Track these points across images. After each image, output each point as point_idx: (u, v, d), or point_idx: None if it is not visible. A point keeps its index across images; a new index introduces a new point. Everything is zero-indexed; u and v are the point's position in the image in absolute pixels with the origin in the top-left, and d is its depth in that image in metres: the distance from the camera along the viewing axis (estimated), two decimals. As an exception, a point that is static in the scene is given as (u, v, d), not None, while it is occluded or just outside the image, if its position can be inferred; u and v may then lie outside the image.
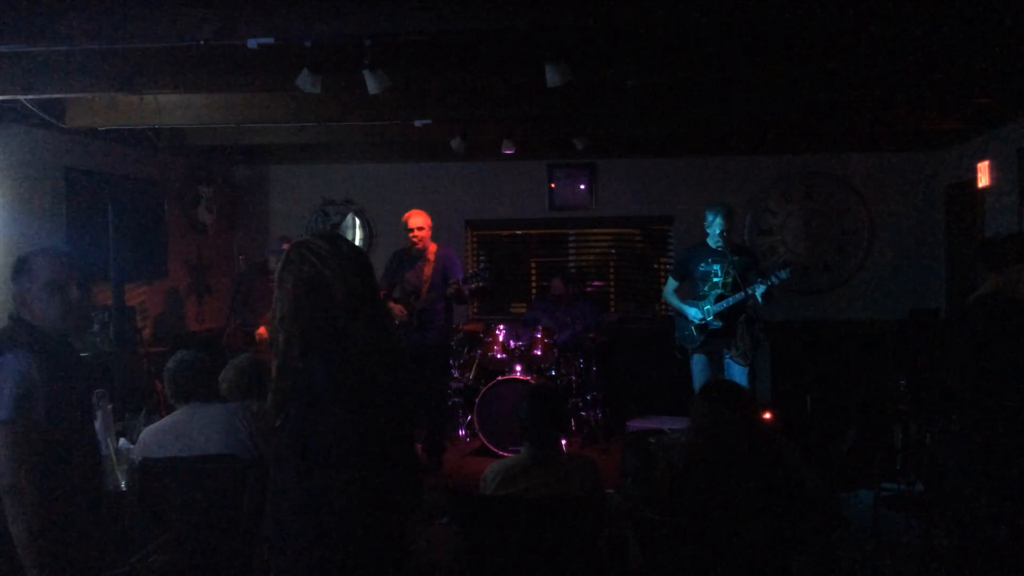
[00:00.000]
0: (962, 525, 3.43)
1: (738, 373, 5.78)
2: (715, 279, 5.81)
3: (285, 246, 2.44)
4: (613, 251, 8.61)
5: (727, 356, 5.84)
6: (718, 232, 5.75)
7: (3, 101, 4.98)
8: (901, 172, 7.96)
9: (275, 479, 2.38)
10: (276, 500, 2.35)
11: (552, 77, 4.11)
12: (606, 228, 8.57)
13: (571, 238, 8.57)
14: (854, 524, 4.52)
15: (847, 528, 4.39)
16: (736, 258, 5.78)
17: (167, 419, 3.67)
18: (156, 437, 3.53)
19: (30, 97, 4.98)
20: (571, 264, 8.53)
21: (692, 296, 5.97)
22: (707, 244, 5.87)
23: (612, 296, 8.59)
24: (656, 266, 8.57)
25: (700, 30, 4.34)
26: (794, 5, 3.60)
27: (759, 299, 5.60)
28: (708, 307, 5.79)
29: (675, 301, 6.06)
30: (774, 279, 5.58)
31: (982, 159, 6.71)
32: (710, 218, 5.81)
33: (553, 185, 8.29)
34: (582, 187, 8.28)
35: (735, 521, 2.72)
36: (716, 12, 3.64)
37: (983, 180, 6.69)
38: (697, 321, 5.85)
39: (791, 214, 8.05)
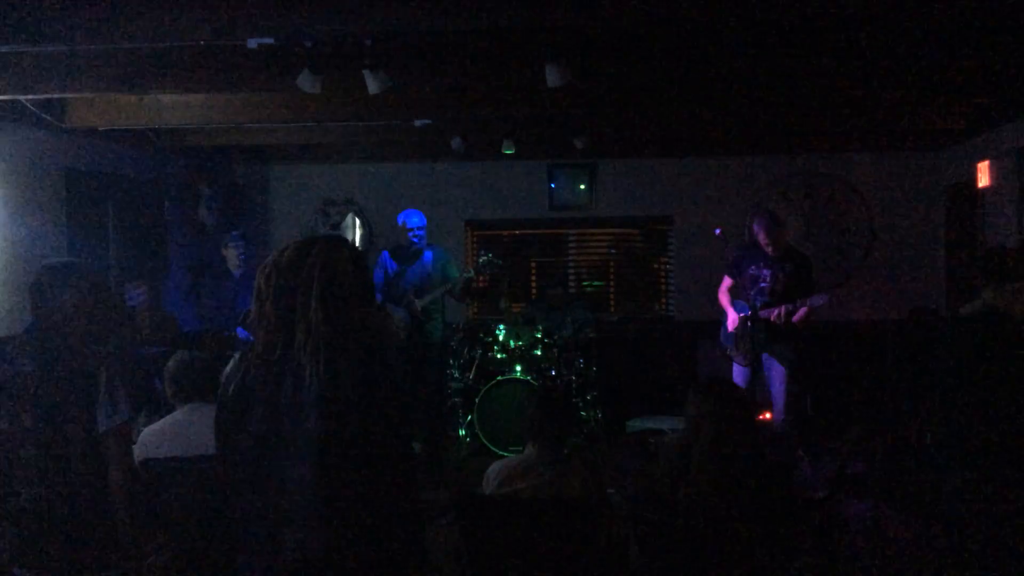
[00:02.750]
0: (962, 525, 3.43)
1: (777, 377, 5.71)
2: (762, 284, 5.72)
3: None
4: (613, 251, 8.61)
5: (764, 356, 5.76)
6: (764, 241, 5.71)
7: (3, 101, 4.99)
8: (901, 172, 7.96)
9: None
10: None
11: (552, 77, 4.11)
12: (606, 228, 8.57)
13: (571, 238, 8.57)
14: (854, 524, 4.52)
15: (847, 528, 4.38)
16: (788, 264, 5.69)
17: (167, 419, 3.67)
18: (156, 437, 3.53)
19: (30, 97, 4.98)
20: (571, 264, 8.54)
21: (743, 297, 5.86)
22: (759, 246, 5.81)
23: (612, 296, 8.59)
24: (656, 266, 8.57)
25: (700, 30, 4.34)
26: (794, 5, 3.60)
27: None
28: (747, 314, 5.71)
29: (724, 300, 5.96)
30: (813, 302, 5.52)
31: (982, 159, 6.71)
32: (755, 228, 5.79)
33: (553, 185, 8.29)
34: (582, 187, 8.28)
35: (735, 521, 2.72)
36: (716, 12, 3.64)
37: (983, 180, 6.69)
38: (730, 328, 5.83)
39: (791, 214, 8.05)
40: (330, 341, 2.09)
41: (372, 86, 4.19)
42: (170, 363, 3.72)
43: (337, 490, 2.07)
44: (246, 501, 2.12)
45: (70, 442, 2.62)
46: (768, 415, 5.83)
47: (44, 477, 2.57)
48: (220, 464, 2.15)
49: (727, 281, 6.00)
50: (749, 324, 5.59)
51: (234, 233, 6.70)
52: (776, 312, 5.54)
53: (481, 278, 6.29)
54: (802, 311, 5.52)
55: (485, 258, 6.59)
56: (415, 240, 6.35)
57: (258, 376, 2.11)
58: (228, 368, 2.21)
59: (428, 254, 6.44)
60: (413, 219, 6.39)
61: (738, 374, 5.79)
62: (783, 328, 5.60)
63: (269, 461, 2.09)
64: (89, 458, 2.66)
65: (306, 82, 4.19)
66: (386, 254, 6.61)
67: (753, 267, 5.79)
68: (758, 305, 5.62)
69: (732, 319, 5.82)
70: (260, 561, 2.12)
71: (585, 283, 8.56)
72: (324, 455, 2.06)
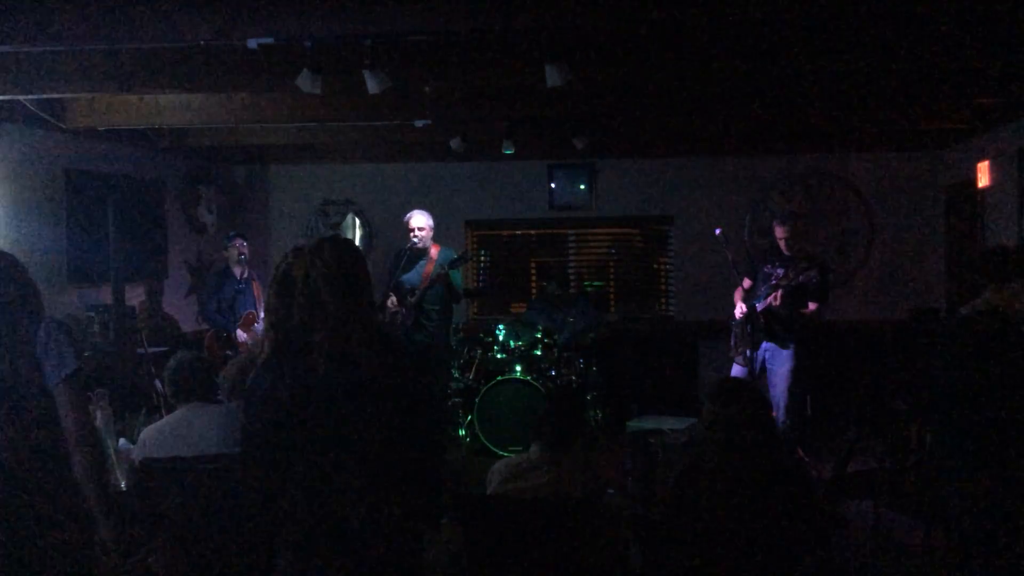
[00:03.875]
0: (962, 525, 3.43)
1: (780, 379, 5.74)
2: (773, 281, 5.73)
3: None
4: (613, 251, 8.61)
5: (766, 358, 5.79)
6: (780, 237, 5.78)
7: (3, 101, 4.99)
8: (901, 172, 7.96)
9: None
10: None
11: (552, 77, 4.11)
12: (606, 228, 8.57)
13: (571, 238, 8.57)
14: (854, 524, 4.52)
15: (847, 528, 4.38)
16: (802, 264, 5.70)
17: (167, 419, 3.67)
18: (156, 437, 3.53)
19: (30, 97, 4.98)
20: (571, 264, 8.54)
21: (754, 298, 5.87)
22: (778, 247, 5.86)
23: (612, 296, 8.59)
24: (656, 266, 8.58)
25: (700, 30, 4.34)
26: (794, 5, 3.60)
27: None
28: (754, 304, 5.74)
29: (736, 297, 6.00)
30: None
31: (982, 159, 6.71)
32: (775, 224, 5.87)
33: (553, 185, 8.30)
34: (582, 187, 8.28)
35: (737, 521, 2.72)
36: (716, 12, 3.64)
37: (983, 180, 6.69)
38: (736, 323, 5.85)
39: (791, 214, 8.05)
40: (350, 338, 2.22)
41: (372, 86, 4.19)
42: (170, 363, 3.72)
43: (385, 470, 2.21)
44: (280, 499, 2.22)
45: (32, 436, 2.60)
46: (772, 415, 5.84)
47: (8, 472, 2.56)
48: (251, 465, 2.25)
49: (746, 282, 6.01)
50: (749, 328, 5.61)
51: (233, 233, 6.70)
52: (771, 296, 5.58)
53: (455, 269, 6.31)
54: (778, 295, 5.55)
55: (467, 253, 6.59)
56: (415, 240, 6.34)
57: (329, 368, 2.21)
58: (257, 373, 2.28)
59: (435, 254, 6.41)
60: (415, 219, 6.37)
61: (738, 375, 5.79)
62: (782, 315, 5.64)
63: (302, 459, 2.19)
64: (43, 411, 2.64)
65: (306, 82, 4.19)
66: (393, 256, 6.63)
67: (768, 266, 5.84)
68: (758, 308, 5.64)
69: (738, 310, 5.84)
70: (299, 556, 2.22)
71: (585, 283, 8.56)
72: (379, 438, 2.20)
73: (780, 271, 5.71)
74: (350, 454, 2.18)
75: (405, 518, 2.23)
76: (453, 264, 6.28)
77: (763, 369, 5.84)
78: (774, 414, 5.81)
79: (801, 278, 5.59)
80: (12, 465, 2.55)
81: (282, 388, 2.20)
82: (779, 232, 5.84)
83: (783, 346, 5.73)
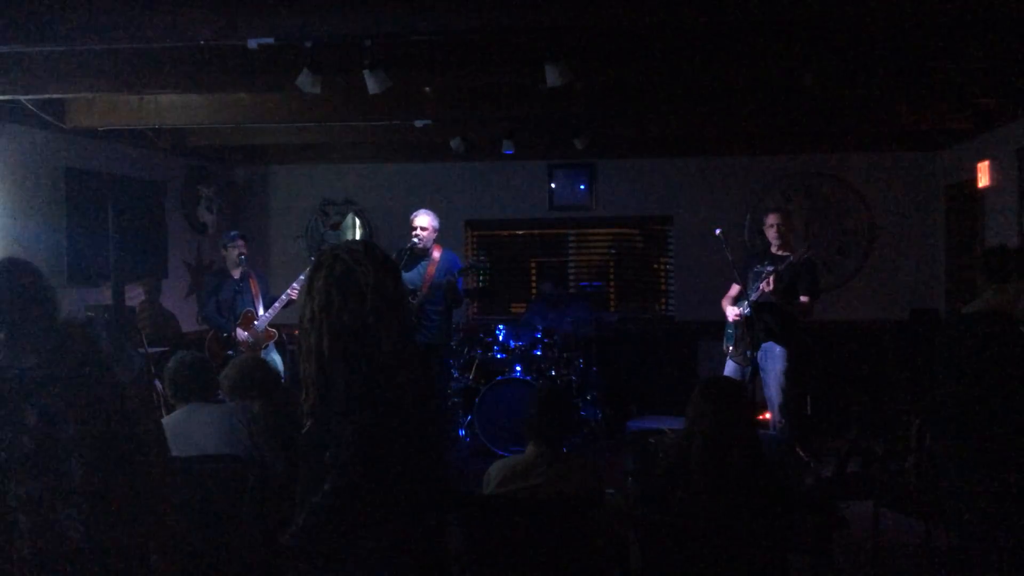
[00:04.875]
0: (962, 525, 3.43)
1: (773, 380, 5.75)
2: (763, 278, 5.72)
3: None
4: (613, 251, 8.62)
5: (760, 358, 5.78)
6: (771, 234, 5.83)
7: (3, 101, 4.99)
8: (901, 172, 7.96)
9: (301, 482, 2.35)
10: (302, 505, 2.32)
11: (552, 77, 4.11)
12: (606, 228, 8.57)
13: (571, 238, 8.57)
14: (854, 524, 4.52)
15: (847, 528, 4.38)
16: (791, 259, 5.70)
17: (167, 419, 3.66)
18: (156, 437, 3.53)
19: (30, 97, 4.98)
20: (571, 264, 8.53)
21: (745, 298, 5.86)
22: (768, 248, 5.90)
23: (612, 296, 8.59)
24: (656, 266, 8.58)
25: (700, 30, 4.35)
26: (794, 5, 3.60)
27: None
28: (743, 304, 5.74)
29: (724, 303, 6.02)
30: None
31: (982, 159, 6.71)
32: (766, 219, 5.94)
33: (553, 185, 8.30)
34: (582, 187, 8.28)
35: (733, 520, 2.72)
36: (716, 12, 3.64)
37: (983, 180, 6.69)
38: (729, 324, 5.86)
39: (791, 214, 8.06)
40: (400, 351, 2.30)
41: (372, 86, 4.19)
42: (170, 363, 3.72)
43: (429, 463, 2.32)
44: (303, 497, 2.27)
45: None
46: (767, 415, 5.84)
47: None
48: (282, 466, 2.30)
49: (733, 289, 6.00)
50: (748, 328, 5.62)
51: (234, 233, 6.70)
52: (764, 282, 5.60)
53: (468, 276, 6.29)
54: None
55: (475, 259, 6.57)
56: (415, 240, 6.34)
57: (406, 378, 2.30)
58: (317, 379, 2.29)
59: (437, 256, 6.40)
60: (419, 219, 6.35)
61: (733, 374, 5.80)
62: (775, 306, 5.67)
63: (410, 453, 2.28)
64: (120, 411, 2.59)
65: (306, 82, 4.19)
66: (395, 255, 6.62)
67: (758, 265, 5.84)
68: (751, 298, 5.68)
69: (732, 313, 5.85)
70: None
71: (585, 283, 8.56)
72: (431, 437, 2.36)
73: (770, 268, 5.72)
74: (416, 460, 2.29)
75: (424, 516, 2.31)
76: (463, 272, 6.27)
77: (757, 369, 5.84)
78: (769, 414, 5.82)
79: (792, 258, 5.64)
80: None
81: (391, 393, 2.26)
82: (770, 220, 5.87)
83: (780, 342, 5.73)
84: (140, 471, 2.37)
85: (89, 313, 5.61)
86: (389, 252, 2.51)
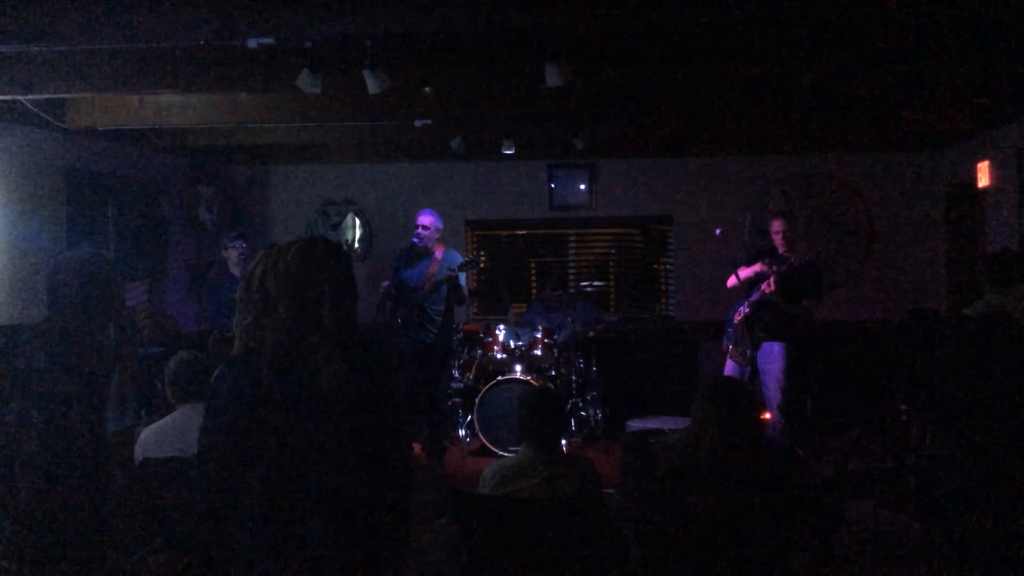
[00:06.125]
0: (962, 525, 3.43)
1: (772, 381, 5.75)
2: (765, 283, 5.75)
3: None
4: (613, 251, 8.61)
5: (759, 358, 5.80)
6: (777, 237, 5.83)
7: (3, 101, 4.99)
8: (901, 172, 7.96)
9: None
10: None
11: (552, 77, 4.12)
12: (606, 228, 8.57)
13: (571, 238, 8.57)
14: (854, 524, 4.52)
15: (847, 528, 4.38)
16: (795, 260, 5.72)
17: (167, 419, 3.67)
18: (156, 437, 3.54)
19: (30, 97, 4.98)
20: (571, 264, 8.53)
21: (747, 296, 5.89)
22: (775, 252, 5.90)
23: (612, 296, 8.59)
24: (656, 266, 8.57)
25: (700, 30, 4.35)
26: (794, 5, 3.60)
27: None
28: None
29: (731, 282, 6.02)
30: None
31: (982, 159, 6.71)
32: (772, 221, 5.93)
33: (553, 185, 8.30)
34: (582, 187, 8.28)
35: (735, 521, 2.72)
36: (716, 12, 3.64)
37: (983, 180, 6.69)
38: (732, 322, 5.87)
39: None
40: (342, 342, 2.09)
41: (372, 86, 4.19)
42: (170, 363, 3.72)
43: (345, 486, 2.06)
44: (257, 499, 2.06)
45: (76, 439, 2.63)
46: (767, 415, 5.84)
47: (47, 473, 2.57)
48: (224, 463, 2.08)
49: (741, 271, 5.94)
50: (749, 328, 5.62)
51: (234, 233, 6.70)
52: (765, 283, 5.61)
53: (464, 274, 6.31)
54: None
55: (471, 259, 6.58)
56: (415, 239, 6.35)
57: (272, 377, 2.08)
58: (220, 372, 2.18)
59: (439, 255, 6.41)
60: (421, 217, 6.37)
61: (732, 374, 5.80)
62: (776, 305, 5.67)
63: (284, 460, 2.04)
64: (93, 456, 2.66)
65: (306, 82, 4.19)
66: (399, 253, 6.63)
67: (763, 264, 5.83)
68: (752, 298, 5.69)
69: (736, 276, 5.81)
70: (271, 559, 2.07)
71: (585, 283, 8.55)
72: (338, 453, 2.05)
73: (774, 268, 5.73)
74: (299, 469, 2.04)
75: (366, 542, 2.09)
76: (462, 267, 6.28)
77: (757, 370, 5.85)
78: (768, 414, 5.82)
79: (793, 260, 5.64)
80: (51, 510, 2.60)
81: (242, 390, 2.08)
82: (776, 226, 5.87)
83: (779, 339, 5.73)
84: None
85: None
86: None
